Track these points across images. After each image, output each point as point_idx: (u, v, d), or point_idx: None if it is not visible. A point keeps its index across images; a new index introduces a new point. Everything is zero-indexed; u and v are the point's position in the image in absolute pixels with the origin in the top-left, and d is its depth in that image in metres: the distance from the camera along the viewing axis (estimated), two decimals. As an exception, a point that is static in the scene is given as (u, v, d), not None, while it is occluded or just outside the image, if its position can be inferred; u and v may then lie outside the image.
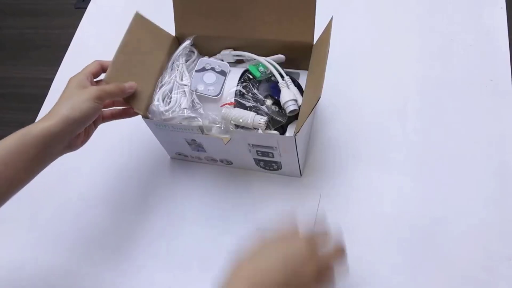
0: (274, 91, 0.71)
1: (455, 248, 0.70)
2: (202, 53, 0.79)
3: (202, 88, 0.70)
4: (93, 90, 0.62)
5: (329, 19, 0.67)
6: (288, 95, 0.69)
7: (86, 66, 0.67)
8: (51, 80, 0.99)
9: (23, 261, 0.79)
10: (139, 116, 0.71)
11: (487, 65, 0.84)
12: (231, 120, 0.68)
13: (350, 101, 0.85)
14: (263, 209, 0.77)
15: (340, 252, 0.57)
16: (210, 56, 0.78)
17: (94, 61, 0.68)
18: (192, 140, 0.73)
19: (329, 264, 0.55)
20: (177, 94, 0.71)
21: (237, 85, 0.71)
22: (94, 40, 1.04)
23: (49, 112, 0.61)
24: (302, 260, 0.51)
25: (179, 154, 0.81)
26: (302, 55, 0.73)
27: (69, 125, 0.60)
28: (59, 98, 0.63)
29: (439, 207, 0.73)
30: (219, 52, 0.78)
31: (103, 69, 0.68)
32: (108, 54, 0.69)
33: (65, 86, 0.64)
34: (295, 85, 0.72)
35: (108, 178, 0.84)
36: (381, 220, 0.73)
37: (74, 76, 0.65)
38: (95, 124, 0.69)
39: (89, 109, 0.61)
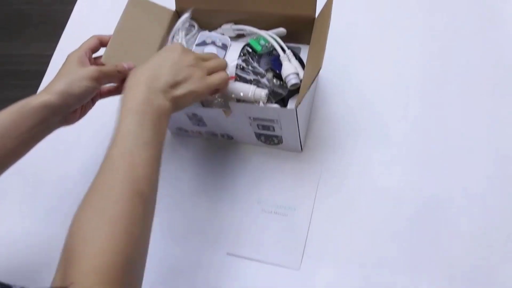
0: (275, 65, 0.72)
1: (453, 223, 0.71)
2: (202, 27, 0.79)
3: None
4: (91, 71, 0.63)
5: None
6: (290, 68, 0.70)
7: (85, 42, 0.67)
8: (49, 56, 1.00)
9: (22, 234, 0.80)
10: None
11: (492, 47, 0.84)
12: (232, 95, 0.68)
13: (351, 78, 0.86)
14: (264, 183, 0.78)
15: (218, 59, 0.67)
16: (210, 30, 0.78)
17: (93, 36, 0.68)
18: (193, 114, 0.74)
19: (209, 58, 0.65)
20: None
21: (238, 59, 0.71)
22: (93, 16, 1.04)
23: (47, 86, 0.61)
24: (180, 55, 0.61)
25: (180, 129, 0.82)
26: (304, 29, 0.74)
27: (66, 100, 0.61)
28: (57, 73, 0.63)
29: (438, 183, 0.74)
30: (220, 27, 0.79)
31: (102, 43, 0.68)
32: (107, 29, 0.70)
33: (63, 62, 0.65)
34: (297, 59, 0.73)
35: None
36: (380, 194, 0.75)
37: (73, 52, 0.65)
38: (93, 101, 0.70)
39: (87, 88, 0.62)
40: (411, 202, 0.73)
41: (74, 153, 0.87)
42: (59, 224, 0.78)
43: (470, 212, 0.71)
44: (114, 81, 0.68)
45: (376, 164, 0.77)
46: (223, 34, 0.77)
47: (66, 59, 0.65)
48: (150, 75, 0.58)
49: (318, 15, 0.72)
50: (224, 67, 0.66)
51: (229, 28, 0.78)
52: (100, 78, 0.63)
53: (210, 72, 0.63)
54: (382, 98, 0.83)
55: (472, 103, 0.79)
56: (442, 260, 0.69)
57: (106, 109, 0.65)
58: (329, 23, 0.64)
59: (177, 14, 0.78)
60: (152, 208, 0.54)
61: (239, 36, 0.79)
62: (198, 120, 0.75)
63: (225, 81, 0.65)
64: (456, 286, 0.67)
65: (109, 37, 0.69)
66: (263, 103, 0.68)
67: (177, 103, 0.59)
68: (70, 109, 0.63)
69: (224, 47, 0.72)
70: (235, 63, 0.70)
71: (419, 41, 0.87)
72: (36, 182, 0.86)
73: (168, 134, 0.84)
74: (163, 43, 0.75)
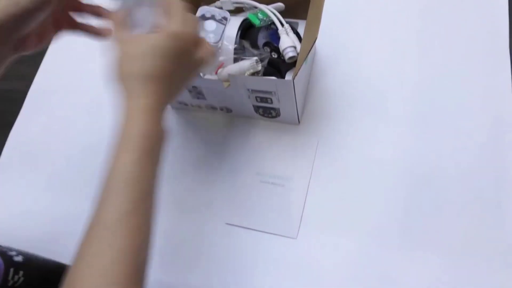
0: (273, 38, 0.73)
1: (446, 192, 0.73)
2: (203, 1, 0.80)
3: (203, 35, 0.72)
4: None
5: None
6: (287, 41, 0.71)
7: None
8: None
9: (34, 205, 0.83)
10: None
11: (486, 20, 0.85)
12: (228, 76, 0.70)
13: (347, 52, 0.87)
14: (262, 155, 0.80)
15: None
16: (209, 3, 0.80)
17: None
18: (192, 87, 0.75)
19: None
20: None
21: (237, 34, 0.72)
22: None
23: None
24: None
25: (180, 103, 0.83)
26: (301, 5, 0.75)
27: (7, 20, 0.50)
28: None
29: (432, 153, 0.76)
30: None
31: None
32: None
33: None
34: (294, 33, 0.74)
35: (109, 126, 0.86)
36: (375, 165, 0.76)
37: None
38: (54, 27, 0.58)
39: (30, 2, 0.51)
40: (406, 172, 0.75)
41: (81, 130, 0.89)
42: (69, 196, 0.82)
43: (462, 181, 0.73)
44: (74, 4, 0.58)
45: (371, 135, 0.79)
46: (221, 8, 0.78)
47: None
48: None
49: (315, -11, 0.73)
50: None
51: (227, 1, 0.79)
52: None
53: None
54: (378, 71, 0.84)
55: (469, 82, 0.80)
56: (434, 228, 0.71)
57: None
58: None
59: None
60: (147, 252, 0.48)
61: (238, 11, 0.80)
62: (197, 93, 0.77)
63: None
64: (448, 252, 0.69)
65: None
66: (257, 71, 0.70)
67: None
68: (15, 31, 0.52)
69: (223, 21, 0.74)
70: (232, 47, 0.72)
71: (416, 19, 0.88)
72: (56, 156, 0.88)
73: (169, 108, 0.86)
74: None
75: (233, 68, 0.71)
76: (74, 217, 0.78)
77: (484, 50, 0.83)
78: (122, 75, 0.51)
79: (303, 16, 0.76)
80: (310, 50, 0.63)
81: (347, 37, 0.88)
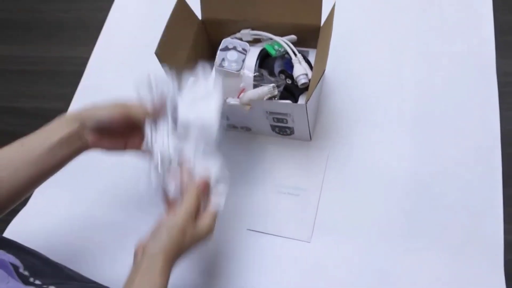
0: (287, 67, 0.82)
1: (448, 197, 0.79)
2: (224, 34, 0.89)
3: (226, 64, 0.81)
4: (117, 103, 0.67)
5: (333, 4, 0.76)
6: (300, 69, 0.80)
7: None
8: (86, 58, 1.10)
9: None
10: None
11: (474, 42, 0.93)
12: (249, 100, 0.79)
13: (353, 75, 0.94)
14: (278, 168, 0.87)
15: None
16: (230, 35, 0.89)
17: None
18: (217, 110, 0.84)
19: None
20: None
21: (256, 63, 0.81)
22: (125, 22, 1.14)
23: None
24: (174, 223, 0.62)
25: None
26: (311, 36, 0.84)
27: (94, 114, 0.66)
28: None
29: (430, 161, 0.83)
30: (239, 31, 0.89)
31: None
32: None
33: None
34: (306, 62, 0.83)
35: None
36: (380, 173, 0.83)
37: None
38: (123, 142, 0.71)
39: (112, 112, 0.66)
40: (409, 179, 0.82)
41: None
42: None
43: (456, 187, 0.80)
44: (140, 117, 0.67)
45: (376, 148, 0.85)
46: (241, 39, 0.88)
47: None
48: None
49: (323, 24, 0.82)
50: None
51: (247, 33, 0.88)
52: (121, 109, 0.66)
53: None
54: (380, 90, 0.91)
55: (462, 97, 0.87)
56: (436, 230, 0.77)
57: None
58: (331, 31, 0.74)
59: (203, 23, 0.89)
60: None
61: (255, 41, 0.89)
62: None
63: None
64: (449, 253, 0.75)
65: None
66: (274, 96, 0.79)
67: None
68: (93, 130, 0.66)
69: (244, 51, 0.82)
70: (252, 75, 0.81)
71: (413, 42, 0.96)
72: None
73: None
74: (189, 47, 0.85)
75: (253, 93, 0.79)
76: (107, 227, 0.87)
77: (474, 72, 0.90)
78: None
79: (314, 45, 0.85)
80: (320, 79, 0.72)
81: (353, 61, 0.96)
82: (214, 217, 0.66)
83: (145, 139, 0.68)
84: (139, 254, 0.61)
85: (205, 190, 0.66)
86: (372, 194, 0.82)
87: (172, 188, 0.65)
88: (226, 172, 0.69)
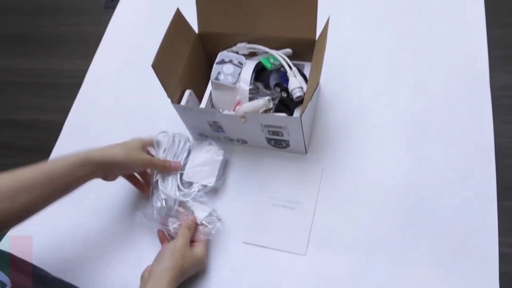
0: (282, 80, 0.83)
1: (440, 211, 0.80)
2: (220, 47, 0.90)
3: (222, 78, 0.82)
4: (146, 157, 0.82)
5: (327, 18, 0.77)
6: (295, 83, 0.81)
7: (147, 138, 0.86)
8: (85, 71, 1.11)
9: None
10: (167, 103, 0.82)
11: (468, 56, 0.94)
12: (245, 113, 0.80)
13: (348, 89, 0.95)
14: (274, 181, 0.87)
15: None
16: (226, 49, 0.90)
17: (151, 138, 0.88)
18: (213, 122, 0.84)
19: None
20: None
21: (251, 76, 0.82)
22: (122, 37, 1.15)
23: (108, 146, 0.78)
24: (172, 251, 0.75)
25: (201, 135, 0.92)
26: (307, 49, 0.84)
27: (117, 160, 0.77)
28: (122, 143, 0.80)
29: (423, 175, 0.83)
30: (235, 45, 0.90)
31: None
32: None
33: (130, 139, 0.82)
34: (301, 75, 0.84)
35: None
36: (374, 188, 0.84)
37: (138, 139, 0.84)
38: (131, 181, 0.88)
39: (136, 164, 0.82)
40: (400, 193, 0.82)
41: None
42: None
43: (450, 200, 0.80)
44: (156, 170, 0.86)
45: (370, 162, 0.86)
46: (237, 52, 0.89)
47: (133, 139, 0.83)
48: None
49: (318, 38, 0.82)
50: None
51: (243, 46, 0.89)
52: (148, 165, 0.84)
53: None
54: (375, 104, 0.92)
55: (457, 111, 0.88)
56: (427, 241, 0.77)
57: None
58: (326, 44, 0.75)
59: (199, 36, 0.90)
60: None
61: (251, 54, 0.90)
62: (218, 127, 0.86)
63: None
64: (442, 265, 0.75)
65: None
66: (269, 109, 0.80)
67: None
68: (114, 173, 0.80)
69: (240, 65, 0.83)
70: (248, 88, 0.82)
71: (407, 57, 0.97)
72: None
73: (191, 138, 0.94)
74: (186, 61, 0.86)
75: (248, 106, 0.80)
76: (105, 240, 0.88)
77: (468, 86, 0.91)
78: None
79: (309, 59, 0.86)
80: (314, 92, 0.73)
81: (348, 74, 0.97)
82: (205, 245, 0.80)
83: (153, 184, 0.87)
84: (146, 275, 0.72)
85: (193, 225, 0.81)
86: (367, 207, 0.83)
87: (174, 225, 0.81)
88: (217, 214, 0.84)
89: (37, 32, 1.28)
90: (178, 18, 0.82)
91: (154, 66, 0.74)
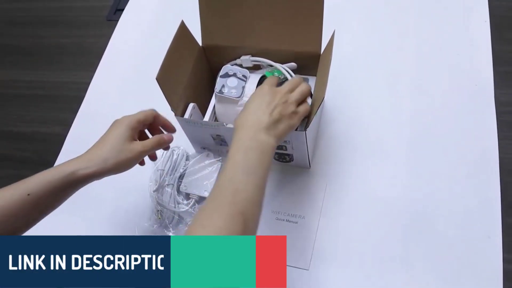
0: None
1: (442, 224, 0.80)
2: (224, 60, 0.90)
3: (226, 91, 0.82)
4: (136, 152, 0.70)
5: (333, 32, 0.77)
6: None
7: (141, 112, 0.74)
8: (87, 83, 1.11)
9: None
10: (170, 116, 0.81)
11: (472, 72, 0.95)
12: None
13: (351, 103, 0.96)
14: (278, 195, 0.87)
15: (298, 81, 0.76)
16: (230, 61, 0.90)
17: (152, 110, 0.76)
18: (217, 135, 0.84)
19: (293, 88, 0.74)
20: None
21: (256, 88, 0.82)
22: (125, 48, 1.15)
23: (91, 152, 0.69)
24: (271, 96, 0.70)
25: (204, 149, 0.92)
26: (312, 63, 0.84)
27: (105, 171, 0.67)
28: (104, 138, 0.70)
29: (427, 190, 0.83)
30: (239, 57, 0.89)
31: (156, 122, 0.76)
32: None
33: (112, 124, 0.72)
34: (305, 89, 0.84)
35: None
36: (378, 202, 0.83)
37: (124, 119, 0.72)
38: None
39: (129, 165, 0.70)
40: (403, 207, 0.82)
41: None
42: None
43: (453, 215, 0.80)
44: (152, 152, 0.76)
45: (373, 176, 0.86)
46: (241, 65, 0.89)
47: (116, 124, 0.71)
48: (253, 119, 0.67)
49: (323, 52, 0.82)
50: (307, 94, 0.75)
51: (247, 59, 0.89)
52: (143, 154, 0.72)
53: (298, 103, 0.73)
54: (378, 119, 0.92)
55: (459, 127, 0.89)
56: (431, 257, 0.77)
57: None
58: (331, 58, 0.75)
59: (203, 49, 0.90)
60: (253, 225, 0.60)
61: (255, 67, 0.90)
62: (221, 140, 0.86)
63: (308, 110, 0.75)
64: (444, 278, 0.75)
65: (164, 119, 0.78)
66: None
67: (280, 137, 0.68)
68: (105, 176, 0.69)
69: (244, 78, 0.83)
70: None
71: (411, 72, 0.97)
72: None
73: (193, 152, 0.95)
74: (189, 74, 0.85)
75: None
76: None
77: (472, 98, 0.91)
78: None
79: (314, 73, 0.86)
80: (318, 107, 0.72)
81: (352, 89, 0.97)
82: None
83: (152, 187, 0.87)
84: None
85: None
86: (371, 222, 0.82)
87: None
88: None
89: (38, 44, 1.28)
90: (183, 31, 0.82)
91: (159, 79, 0.74)
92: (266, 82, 0.74)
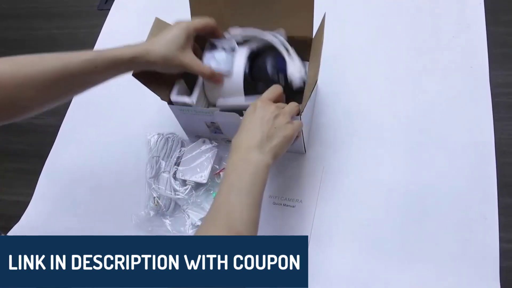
0: (281, 66, 0.79)
1: (440, 209, 0.80)
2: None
3: (215, 65, 0.79)
4: (188, 61, 0.74)
5: (323, 14, 0.76)
6: (294, 70, 0.77)
7: (201, 19, 0.78)
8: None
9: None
10: (161, 105, 0.82)
11: (467, 54, 0.94)
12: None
13: (347, 87, 0.95)
14: (274, 180, 0.88)
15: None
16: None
17: (211, 19, 0.78)
18: (211, 122, 0.84)
19: (284, 105, 0.72)
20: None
21: (246, 64, 0.79)
22: (118, 38, 1.13)
23: (151, 42, 0.73)
24: (263, 110, 0.68)
25: (198, 137, 0.92)
26: (304, 48, 0.83)
27: (155, 65, 0.73)
28: (162, 36, 0.73)
29: (423, 174, 0.83)
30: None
31: (212, 32, 0.79)
32: None
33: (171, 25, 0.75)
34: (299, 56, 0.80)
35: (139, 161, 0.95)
36: (374, 186, 0.84)
37: (183, 25, 0.74)
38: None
39: (177, 70, 0.76)
40: (401, 191, 0.82)
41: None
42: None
43: (450, 197, 0.80)
44: (199, 74, 0.80)
45: (370, 160, 0.86)
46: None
47: (175, 26, 0.74)
48: (246, 138, 0.67)
49: (314, 36, 0.81)
50: (297, 112, 0.73)
51: (237, 34, 0.83)
52: (189, 69, 0.75)
53: (291, 116, 0.71)
54: (374, 103, 0.92)
55: (455, 110, 0.88)
56: (429, 240, 0.78)
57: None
58: (323, 42, 0.74)
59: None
60: None
61: (245, 41, 0.85)
62: (215, 128, 0.85)
63: (301, 126, 0.74)
64: (441, 262, 0.76)
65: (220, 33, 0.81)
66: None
67: (275, 152, 0.66)
68: (150, 68, 0.75)
69: (232, 50, 0.81)
70: (241, 75, 0.79)
71: (407, 55, 0.97)
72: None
73: (188, 141, 0.95)
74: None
75: (242, 101, 0.79)
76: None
77: (468, 80, 0.91)
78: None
79: (306, 58, 0.83)
80: (312, 91, 0.72)
81: (346, 73, 0.97)
82: None
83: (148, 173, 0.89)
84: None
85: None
86: (368, 205, 0.83)
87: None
88: None
89: (30, 36, 1.27)
90: (159, 24, 0.81)
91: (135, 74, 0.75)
92: (260, 98, 0.72)
